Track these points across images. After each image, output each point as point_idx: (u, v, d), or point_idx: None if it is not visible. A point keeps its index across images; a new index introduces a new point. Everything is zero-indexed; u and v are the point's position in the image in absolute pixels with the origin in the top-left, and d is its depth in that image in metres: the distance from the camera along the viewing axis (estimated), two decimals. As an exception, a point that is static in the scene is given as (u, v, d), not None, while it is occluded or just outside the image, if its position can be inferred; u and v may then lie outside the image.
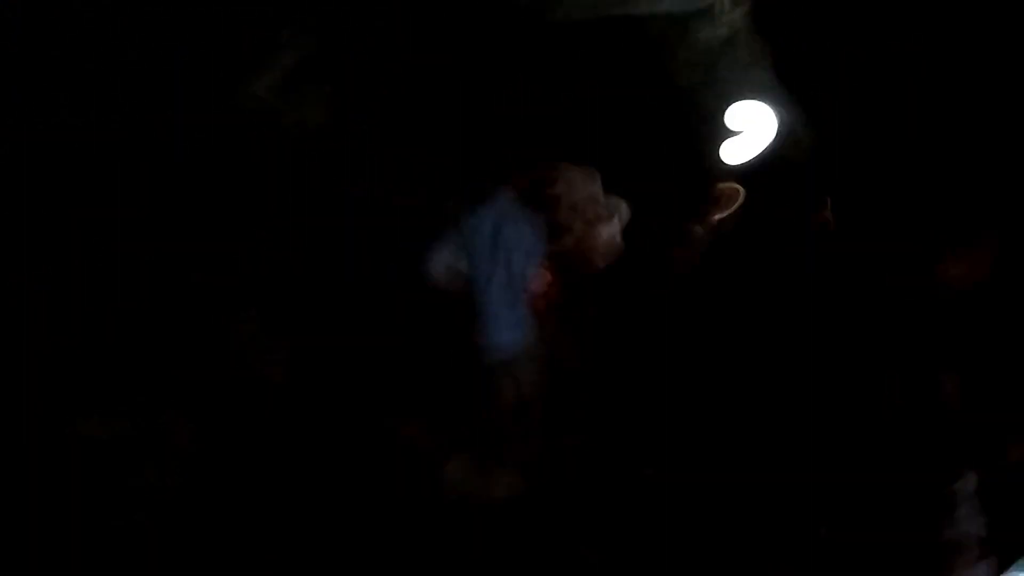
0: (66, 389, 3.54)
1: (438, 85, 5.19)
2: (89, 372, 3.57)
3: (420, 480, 3.50)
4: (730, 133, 6.00)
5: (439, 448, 3.54)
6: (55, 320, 3.61)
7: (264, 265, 4.06)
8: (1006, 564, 2.49)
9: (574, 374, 3.94)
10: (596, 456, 3.59)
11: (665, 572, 2.95)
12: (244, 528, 3.46)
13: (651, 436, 3.34)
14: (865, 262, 3.03)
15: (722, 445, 3.05)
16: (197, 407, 3.70)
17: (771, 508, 2.83)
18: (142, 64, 4.05)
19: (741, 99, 5.80)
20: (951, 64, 3.27)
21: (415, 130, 5.25)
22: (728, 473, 2.94)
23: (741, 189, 4.88)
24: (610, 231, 4.66)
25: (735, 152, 5.56)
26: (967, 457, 2.39)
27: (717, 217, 4.88)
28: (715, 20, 5.38)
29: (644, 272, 4.03)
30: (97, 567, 3.19)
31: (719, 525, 2.84)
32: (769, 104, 4.87)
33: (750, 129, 5.01)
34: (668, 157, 5.83)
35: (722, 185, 5.34)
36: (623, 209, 5.02)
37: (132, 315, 3.75)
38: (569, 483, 3.52)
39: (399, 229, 4.25)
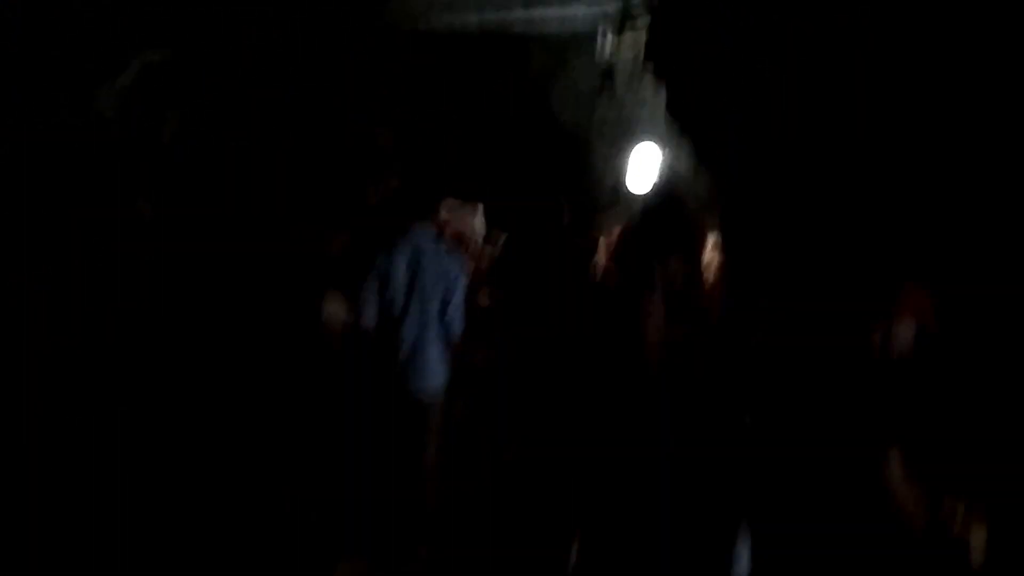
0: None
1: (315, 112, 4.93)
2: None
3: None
4: (615, 169, 6.06)
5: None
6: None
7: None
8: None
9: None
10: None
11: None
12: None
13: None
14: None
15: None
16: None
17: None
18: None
19: (625, 136, 5.87)
20: (845, 102, 3.33)
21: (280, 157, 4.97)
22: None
23: (619, 226, 4.91)
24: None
25: (622, 188, 5.59)
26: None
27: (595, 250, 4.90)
28: (596, 52, 5.40)
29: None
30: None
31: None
32: (656, 143, 4.86)
33: (635, 167, 4.99)
34: (547, 190, 5.80)
35: (603, 219, 5.40)
36: (503, 240, 5.05)
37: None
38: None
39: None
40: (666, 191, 4.04)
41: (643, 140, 5.12)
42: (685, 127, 3.95)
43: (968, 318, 2.30)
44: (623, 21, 4.48)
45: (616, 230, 4.97)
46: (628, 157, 5.23)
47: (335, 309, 3.92)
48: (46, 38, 3.74)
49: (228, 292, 4.05)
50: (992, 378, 2.19)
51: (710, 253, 4.45)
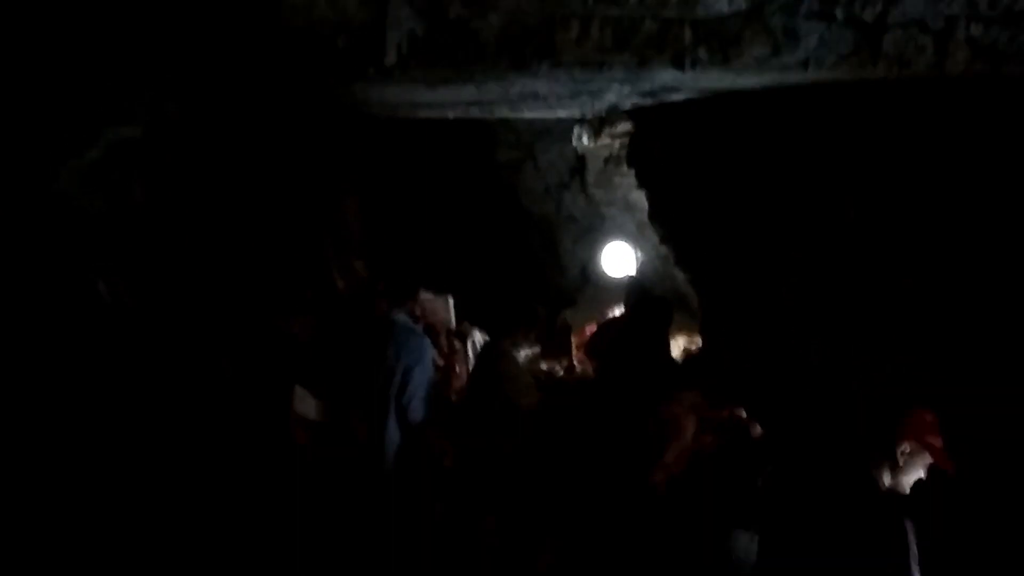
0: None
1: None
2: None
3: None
4: (581, 260, 6.12)
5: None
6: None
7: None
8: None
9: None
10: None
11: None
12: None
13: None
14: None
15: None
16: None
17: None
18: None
19: (593, 230, 5.95)
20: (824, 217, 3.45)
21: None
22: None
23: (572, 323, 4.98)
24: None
25: (590, 279, 5.63)
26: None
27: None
28: (568, 147, 5.48)
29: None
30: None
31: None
32: (627, 242, 4.94)
33: (608, 266, 5.05)
34: (514, 280, 5.81)
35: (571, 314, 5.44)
36: (474, 333, 5.02)
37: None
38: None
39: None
40: (644, 294, 4.07)
41: (613, 237, 5.20)
42: (668, 235, 4.01)
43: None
44: (601, 124, 4.58)
45: (591, 327, 5.00)
46: (597, 251, 5.29)
47: (304, 406, 3.79)
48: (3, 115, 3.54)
49: (188, 375, 3.88)
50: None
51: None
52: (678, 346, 4.80)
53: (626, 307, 4.10)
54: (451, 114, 4.63)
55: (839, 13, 2.24)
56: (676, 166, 3.89)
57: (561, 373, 4.84)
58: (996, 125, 2.69)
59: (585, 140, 4.99)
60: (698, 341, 4.64)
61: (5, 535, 3.06)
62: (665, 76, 2.50)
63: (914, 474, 2.22)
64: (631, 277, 4.71)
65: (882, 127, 2.99)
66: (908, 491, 2.22)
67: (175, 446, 3.59)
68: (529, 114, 4.44)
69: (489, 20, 2.21)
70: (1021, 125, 2.73)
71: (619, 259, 4.78)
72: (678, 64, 2.27)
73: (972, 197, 2.86)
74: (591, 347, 4.23)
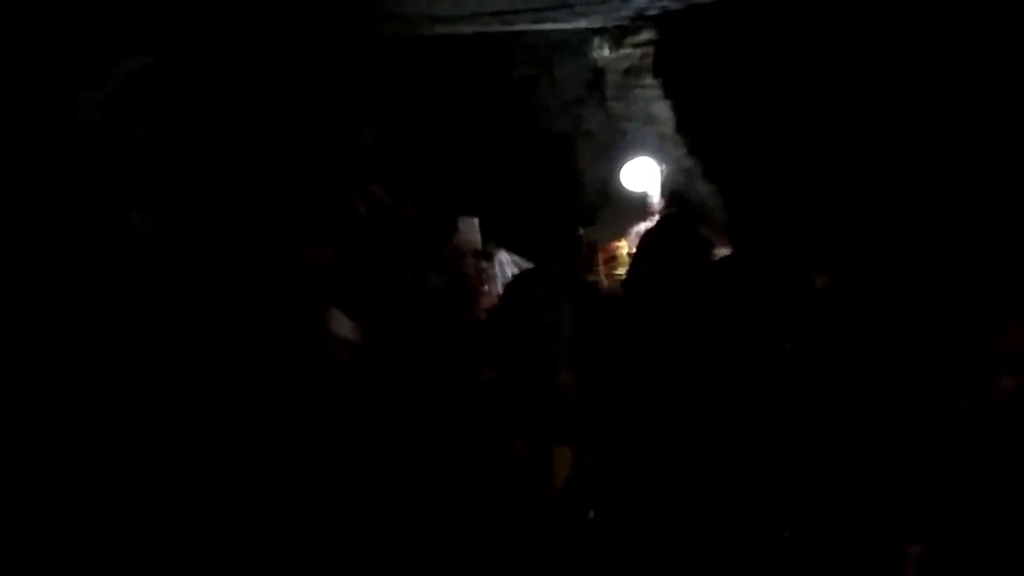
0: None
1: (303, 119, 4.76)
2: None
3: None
4: (601, 177, 6.05)
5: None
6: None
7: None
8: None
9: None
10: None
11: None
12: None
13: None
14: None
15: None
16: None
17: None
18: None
19: (613, 146, 5.86)
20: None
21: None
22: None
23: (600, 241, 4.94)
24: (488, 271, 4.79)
25: (611, 196, 5.58)
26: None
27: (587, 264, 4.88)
28: (585, 60, 5.35)
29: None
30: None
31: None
32: (651, 157, 4.87)
33: (629, 181, 4.99)
34: (537, 206, 5.76)
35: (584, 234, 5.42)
36: (500, 254, 5.02)
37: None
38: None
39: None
40: (679, 210, 4.05)
41: (632, 152, 5.12)
42: (696, 147, 3.96)
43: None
44: (623, 34, 4.45)
45: (614, 245, 4.99)
46: (617, 167, 5.22)
47: (340, 327, 3.82)
48: (23, 47, 3.47)
49: (221, 305, 3.90)
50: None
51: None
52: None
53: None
54: (469, 29, 4.51)
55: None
56: (705, 74, 3.81)
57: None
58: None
59: (605, 51, 4.86)
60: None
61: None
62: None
63: None
64: (662, 196, 4.67)
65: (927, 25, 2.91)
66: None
67: (214, 374, 3.64)
68: (551, 25, 4.32)
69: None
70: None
71: (641, 174, 4.72)
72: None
73: None
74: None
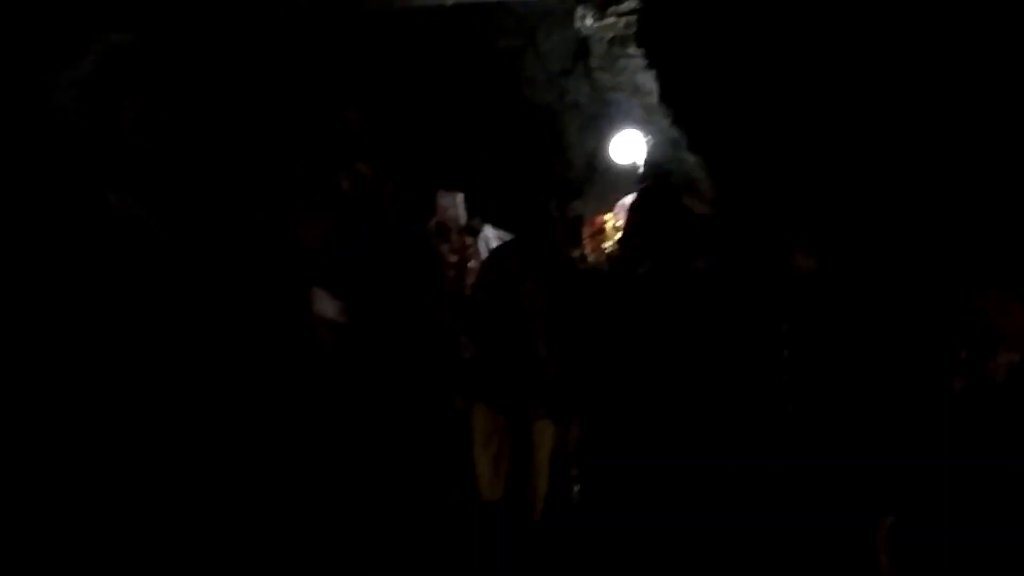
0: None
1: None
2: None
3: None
4: (587, 148, 5.99)
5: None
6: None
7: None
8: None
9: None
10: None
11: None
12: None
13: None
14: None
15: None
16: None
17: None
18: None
19: (599, 117, 5.80)
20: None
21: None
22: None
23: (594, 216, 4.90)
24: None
25: (597, 168, 5.53)
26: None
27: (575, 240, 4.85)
28: (570, 30, 5.28)
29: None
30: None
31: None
32: (637, 128, 4.82)
33: (616, 154, 4.94)
34: (523, 178, 5.71)
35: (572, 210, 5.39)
36: (486, 229, 4.98)
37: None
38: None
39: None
40: (660, 181, 3.99)
41: (619, 123, 5.07)
42: (680, 117, 3.91)
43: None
44: (606, 3, 4.38)
45: (600, 218, 4.95)
46: (604, 139, 5.17)
47: (325, 307, 3.80)
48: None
49: (203, 287, 3.87)
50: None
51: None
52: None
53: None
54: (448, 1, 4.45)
55: None
56: (688, 43, 3.74)
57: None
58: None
59: (589, 21, 4.79)
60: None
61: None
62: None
63: None
64: (646, 167, 4.63)
65: None
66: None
67: (197, 356, 3.62)
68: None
69: None
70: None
71: (628, 147, 4.68)
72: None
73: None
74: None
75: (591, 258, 4.51)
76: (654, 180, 3.96)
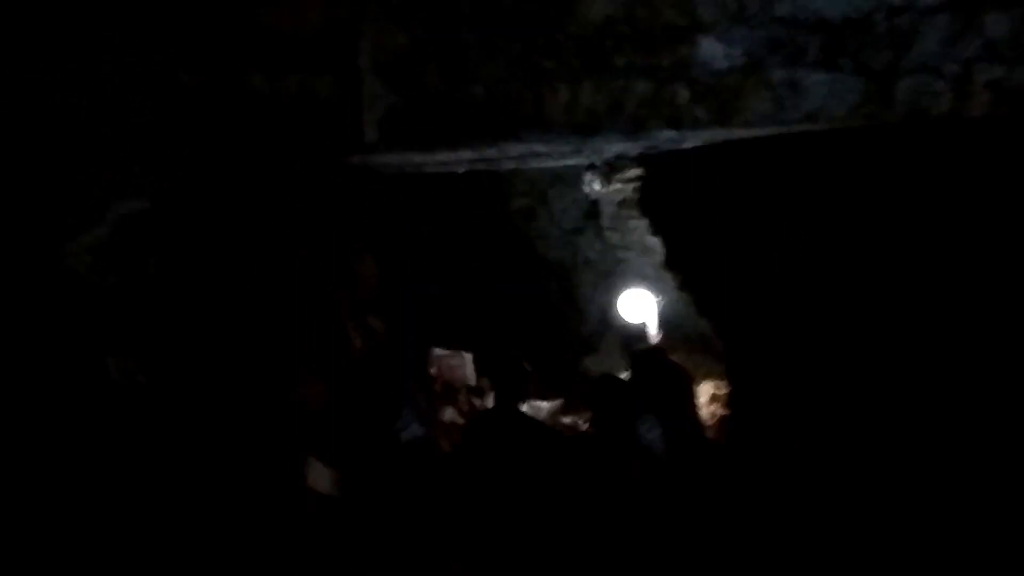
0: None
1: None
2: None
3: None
4: (600, 305, 5.97)
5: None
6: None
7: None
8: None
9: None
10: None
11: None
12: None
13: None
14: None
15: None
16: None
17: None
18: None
19: (610, 275, 5.81)
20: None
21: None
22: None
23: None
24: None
25: (609, 325, 5.48)
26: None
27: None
28: (580, 192, 5.38)
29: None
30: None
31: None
32: (646, 287, 4.79)
33: (625, 312, 4.89)
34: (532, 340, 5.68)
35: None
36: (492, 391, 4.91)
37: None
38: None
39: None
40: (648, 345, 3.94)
41: (631, 280, 5.04)
42: (685, 282, 3.87)
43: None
44: (611, 171, 4.46)
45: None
46: (616, 296, 5.14)
47: (318, 481, 3.68)
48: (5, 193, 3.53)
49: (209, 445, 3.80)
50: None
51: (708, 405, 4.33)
52: (706, 392, 4.62)
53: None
54: (459, 169, 4.56)
55: (845, 64, 2.11)
56: (689, 212, 3.76)
57: (585, 426, 4.68)
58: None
59: (596, 186, 4.87)
60: (725, 387, 4.47)
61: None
62: (664, 135, 2.39)
63: None
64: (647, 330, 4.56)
65: (897, 168, 2.85)
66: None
67: (186, 522, 3.50)
68: (536, 165, 4.35)
69: (472, 91, 2.12)
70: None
71: (637, 304, 4.62)
72: (674, 125, 2.16)
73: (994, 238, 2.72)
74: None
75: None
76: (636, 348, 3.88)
